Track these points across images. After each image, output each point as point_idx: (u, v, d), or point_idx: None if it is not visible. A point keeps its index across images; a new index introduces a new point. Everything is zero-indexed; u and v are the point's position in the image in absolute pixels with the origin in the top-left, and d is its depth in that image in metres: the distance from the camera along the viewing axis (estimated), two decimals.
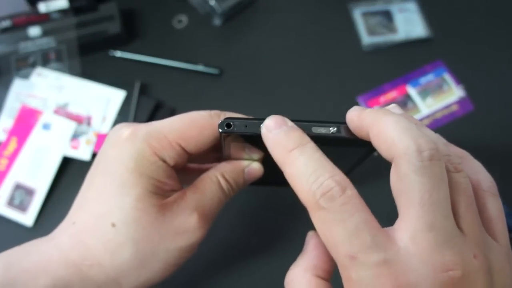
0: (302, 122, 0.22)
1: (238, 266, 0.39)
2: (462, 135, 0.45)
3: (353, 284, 0.17)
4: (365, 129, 0.20)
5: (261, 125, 0.21)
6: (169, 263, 0.24)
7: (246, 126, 0.22)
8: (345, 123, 0.22)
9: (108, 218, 0.23)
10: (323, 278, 0.21)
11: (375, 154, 0.27)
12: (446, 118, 0.46)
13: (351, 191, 0.18)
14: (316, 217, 0.18)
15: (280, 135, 0.20)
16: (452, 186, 0.18)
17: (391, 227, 0.18)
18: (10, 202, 0.42)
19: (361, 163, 0.29)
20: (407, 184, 0.17)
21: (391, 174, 0.18)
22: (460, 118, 0.46)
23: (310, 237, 0.23)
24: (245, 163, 0.27)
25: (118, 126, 0.25)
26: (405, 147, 0.17)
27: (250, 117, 0.25)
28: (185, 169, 0.29)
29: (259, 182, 0.29)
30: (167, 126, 0.24)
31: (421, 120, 0.46)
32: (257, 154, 0.27)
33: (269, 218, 0.41)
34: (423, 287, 0.16)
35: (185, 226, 0.24)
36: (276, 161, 0.20)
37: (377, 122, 0.19)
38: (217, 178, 0.26)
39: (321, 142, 0.22)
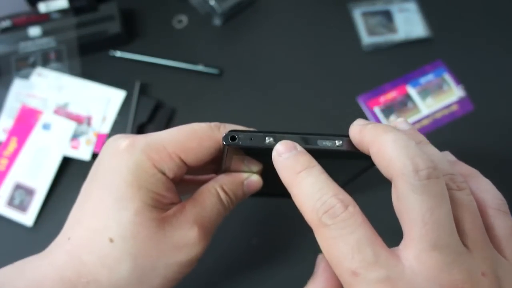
0: (308, 135, 0.22)
1: (238, 267, 0.39)
2: (462, 135, 0.46)
3: None
4: (366, 145, 0.20)
5: (275, 138, 0.21)
6: (168, 279, 0.24)
7: (251, 139, 0.22)
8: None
9: (106, 233, 0.22)
10: None
11: None
12: (446, 118, 0.46)
13: (354, 208, 0.18)
14: (319, 235, 0.18)
15: (289, 159, 0.20)
16: (455, 204, 0.18)
17: (396, 247, 0.18)
18: (10, 202, 0.42)
19: (364, 173, 0.29)
20: (407, 204, 0.17)
21: (392, 194, 0.18)
22: (460, 118, 0.46)
23: (320, 260, 0.23)
24: (244, 175, 0.27)
25: (116, 136, 0.24)
26: (402, 166, 0.17)
27: (252, 129, 0.25)
28: (182, 180, 0.29)
29: (258, 193, 0.29)
30: (167, 138, 0.24)
31: (421, 120, 0.46)
32: (256, 166, 0.26)
33: (269, 219, 0.41)
34: None
35: (185, 240, 0.24)
36: (284, 184, 0.20)
37: (377, 139, 0.19)
38: (216, 191, 0.26)
39: (326, 155, 0.22)
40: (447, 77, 0.48)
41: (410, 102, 0.47)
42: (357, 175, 0.30)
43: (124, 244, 0.22)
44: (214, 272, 0.39)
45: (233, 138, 0.22)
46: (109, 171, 0.23)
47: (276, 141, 0.22)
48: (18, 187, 0.43)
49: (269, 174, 0.26)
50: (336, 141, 0.22)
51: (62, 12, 0.49)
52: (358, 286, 0.17)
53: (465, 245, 0.18)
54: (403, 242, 0.18)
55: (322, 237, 0.18)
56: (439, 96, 0.47)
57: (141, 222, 0.22)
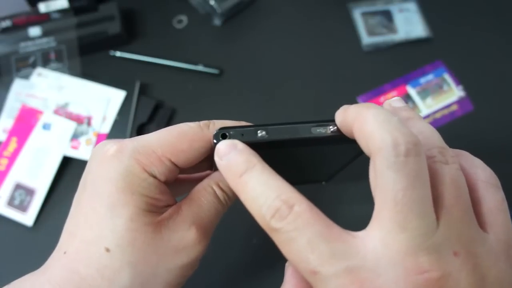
0: (300, 123, 0.21)
1: (238, 266, 0.39)
2: (461, 135, 0.46)
3: None
4: (350, 125, 0.19)
5: (267, 131, 0.21)
6: (171, 284, 0.23)
7: (242, 134, 0.21)
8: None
9: (101, 243, 0.21)
10: None
11: None
12: (446, 118, 0.46)
13: (300, 206, 0.17)
14: (274, 239, 0.18)
15: (229, 161, 0.20)
16: (441, 178, 0.17)
17: (362, 231, 0.17)
18: (10, 202, 0.42)
19: (355, 160, 0.29)
20: (381, 181, 0.17)
21: (370, 170, 0.18)
22: (460, 118, 0.46)
23: (287, 268, 0.22)
24: None
25: (102, 143, 0.23)
26: (381, 141, 0.17)
27: (243, 123, 0.24)
28: (176, 180, 0.28)
29: None
30: (155, 141, 0.23)
31: None
32: None
33: None
34: None
35: (184, 242, 0.23)
36: (232, 189, 0.20)
37: (358, 116, 0.18)
38: (212, 189, 0.25)
39: (318, 143, 0.21)
40: (447, 77, 0.48)
41: (410, 102, 0.47)
42: (349, 162, 0.29)
43: (122, 252, 0.21)
44: (215, 271, 0.39)
45: (223, 136, 0.21)
46: (98, 179, 0.22)
47: (269, 133, 0.21)
48: (18, 187, 0.43)
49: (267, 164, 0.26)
50: (330, 127, 0.21)
51: (62, 12, 0.49)
52: (320, 284, 0.16)
53: (442, 224, 0.17)
54: (371, 223, 0.17)
55: (277, 242, 0.18)
56: (439, 96, 0.47)
57: (136, 228, 0.21)
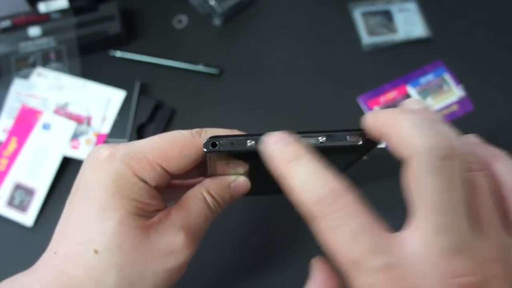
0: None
1: (238, 266, 0.39)
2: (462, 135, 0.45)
3: None
4: (380, 128, 0.19)
5: (257, 140, 0.21)
6: (158, 286, 0.23)
7: (232, 144, 0.22)
8: (333, 131, 0.22)
9: (90, 245, 0.22)
10: None
11: (365, 158, 0.27)
12: (446, 118, 0.46)
13: (347, 196, 0.17)
14: (315, 227, 0.18)
15: (279, 149, 0.20)
16: (470, 187, 0.18)
17: (400, 231, 0.17)
18: (10, 202, 0.42)
19: (350, 167, 0.29)
20: (419, 184, 0.17)
21: (404, 174, 0.18)
22: (460, 118, 0.46)
23: (315, 262, 0.23)
24: (231, 178, 0.27)
25: (97, 147, 0.24)
26: (419, 145, 0.17)
27: (234, 133, 0.24)
28: (170, 185, 0.28)
29: (249, 193, 0.28)
30: (147, 146, 0.23)
31: None
32: (242, 168, 0.26)
33: (269, 219, 0.41)
34: None
35: (171, 246, 0.23)
36: (276, 177, 0.20)
37: (392, 120, 0.19)
38: (202, 195, 0.25)
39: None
40: (447, 77, 0.48)
41: None
42: (345, 169, 0.29)
43: (109, 255, 0.22)
44: (214, 271, 0.39)
45: (213, 145, 0.22)
46: (90, 182, 0.23)
47: (258, 143, 0.21)
48: (18, 187, 0.43)
49: (257, 173, 0.25)
50: (320, 138, 0.21)
51: (62, 12, 0.49)
52: (359, 276, 0.16)
53: (477, 231, 0.17)
54: (409, 225, 0.17)
55: (317, 229, 0.18)
56: (439, 96, 0.47)
57: (125, 231, 0.22)
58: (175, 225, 0.24)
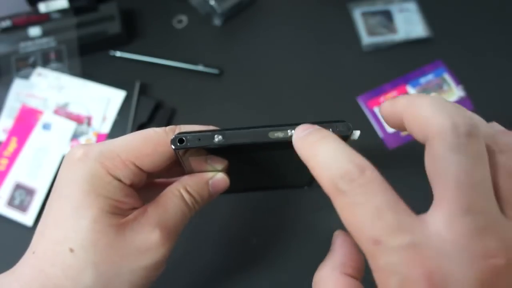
0: (260, 127, 0.21)
1: (238, 266, 0.39)
2: None
3: (380, 273, 0.16)
4: (399, 114, 0.19)
5: (224, 135, 0.21)
6: (135, 284, 0.23)
7: (199, 139, 0.21)
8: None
9: (66, 243, 0.22)
10: (352, 276, 0.20)
11: None
12: None
13: (371, 172, 0.17)
14: (337, 203, 0.17)
15: (305, 135, 0.20)
16: (495, 167, 0.17)
17: (424, 213, 0.17)
18: (10, 202, 0.42)
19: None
20: (442, 164, 0.16)
21: (426, 156, 0.17)
22: None
23: (337, 236, 0.22)
24: (209, 175, 0.26)
25: (73, 147, 0.24)
26: (440, 124, 0.16)
27: (204, 129, 0.24)
28: (152, 184, 0.29)
29: (232, 190, 0.28)
30: (120, 145, 0.24)
31: None
32: (220, 164, 0.26)
33: (269, 219, 0.41)
34: (459, 276, 0.15)
35: (147, 244, 0.23)
36: (303, 160, 0.19)
37: (412, 103, 0.18)
38: (179, 192, 0.25)
39: (278, 147, 0.21)
40: (447, 77, 0.48)
41: None
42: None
43: (85, 253, 0.22)
44: (214, 271, 0.39)
45: (181, 141, 0.22)
46: (66, 181, 0.23)
47: (226, 138, 0.21)
48: (18, 187, 0.43)
49: (238, 169, 0.25)
50: (289, 131, 0.21)
51: (62, 12, 0.49)
52: (381, 255, 0.16)
53: (503, 212, 0.16)
54: (432, 207, 0.17)
55: (340, 205, 0.17)
56: None
57: (100, 229, 0.22)
58: (151, 223, 0.24)
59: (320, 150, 0.18)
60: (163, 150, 0.24)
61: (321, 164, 0.18)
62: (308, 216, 0.40)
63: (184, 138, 0.22)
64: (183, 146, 0.22)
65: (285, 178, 0.31)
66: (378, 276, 0.16)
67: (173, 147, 0.22)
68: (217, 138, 0.21)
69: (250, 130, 0.21)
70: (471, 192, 0.16)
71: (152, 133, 0.24)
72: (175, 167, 0.25)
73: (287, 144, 0.21)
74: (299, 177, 0.31)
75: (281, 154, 0.23)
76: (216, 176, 0.26)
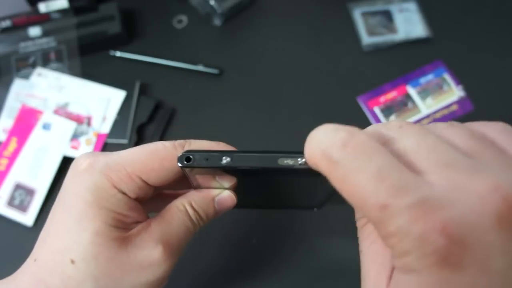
0: (270, 153, 0.21)
1: (238, 267, 0.39)
2: None
3: (392, 238, 0.15)
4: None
5: (233, 157, 0.20)
6: None
7: (207, 159, 0.21)
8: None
9: (67, 254, 0.22)
10: None
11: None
12: (446, 118, 0.46)
13: (362, 135, 0.16)
14: (334, 178, 0.16)
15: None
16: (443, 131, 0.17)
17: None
18: (10, 202, 0.42)
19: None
20: (350, 180, 0.16)
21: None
22: (460, 118, 0.46)
23: (360, 229, 0.20)
24: (215, 192, 0.26)
25: (79, 156, 0.24)
26: (320, 157, 0.16)
27: (218, 146, 0.24)
28: (160, 195, 0.28)
29: (239, 206, 0.27)
30: (127, 158, 0.23)
31: (421, 120, 0.46)
32: (228, 182, 0.25)
33: (269, 219, 0.41)
34: (472, 218, 0.14)
35: (149, 259, 0.23)
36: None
37: (308, 141, 0.17)
38: (184, 207, 0.25)
39: (287, 173, 0.21)
40: (447, 77, 0.48)
41: (410, 102, 0.47)
42: (333, 193, 0.28)
43: (86, 265, 0.21)
44: (215, 271, 0.39)
45: (188, 159, 0.21)
46: (70, 192, 0.23)
47: (234, 161, 0.21)
48: (18, 187, 0.43)
49: (247, 188, 0.25)
50: (299, 159, 0.20)
51: (62, 12, 0.49)
52: (390, 219, 0.14)
53: (479, 159, 0.16)
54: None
55: (337, 179, 0.16)
56: (439, 96, 0.47)
57: (101, 242, 0.22)
58: (154, 238, 0.23)
59: (314, 134, 0.17)
60: (170, 165, 0.23)
61: (314, 140, 0.17)
62: (308, 216, 0.40)
63: (191, 156, 0.21)
64: (189, 164, 0.21)
65: (294, 199, 0.31)
66: (390, 243, 0.15)
67: (180, 165, 0.21)
68: (225, 160, 0.21)
69: (259, 155, 0.21)
70: (437, 151, 0.16)
71: (161, 147, 0.23)
72: (184, 179, 0.25)
73: (294, 171, 0.20)
74: (310, 198, 0.31)
75: (291, 178, 0.23)
76: (222, 194, 0.26)
